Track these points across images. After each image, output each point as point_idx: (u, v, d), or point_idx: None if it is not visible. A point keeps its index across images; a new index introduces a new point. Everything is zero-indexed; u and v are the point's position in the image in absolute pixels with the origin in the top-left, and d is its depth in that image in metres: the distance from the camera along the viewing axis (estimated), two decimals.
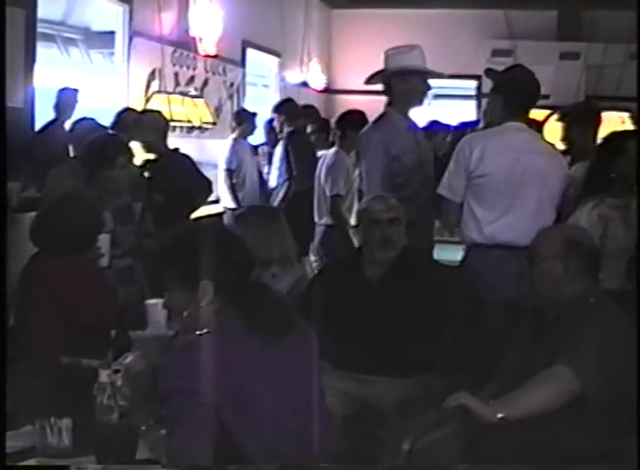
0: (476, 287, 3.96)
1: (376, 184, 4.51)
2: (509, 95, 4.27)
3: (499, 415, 2.57)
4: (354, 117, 6.83)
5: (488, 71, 4.53)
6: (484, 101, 4.94)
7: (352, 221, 5.99)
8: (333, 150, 6.77)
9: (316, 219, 6.48)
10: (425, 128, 6.23)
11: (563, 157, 4.51)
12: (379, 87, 4.83)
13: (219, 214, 7.35)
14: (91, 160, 4.48)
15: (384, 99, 4.80)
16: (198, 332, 2.51)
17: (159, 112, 6.26)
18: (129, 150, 4.76)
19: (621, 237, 4.26)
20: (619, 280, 4.21)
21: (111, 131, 5.67)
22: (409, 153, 4.63)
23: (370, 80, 4.88)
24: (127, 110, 6.40)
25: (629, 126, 7.93)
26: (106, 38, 7.78)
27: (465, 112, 11.81)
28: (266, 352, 2.49)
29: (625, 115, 9.56)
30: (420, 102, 4.79)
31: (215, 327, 2.50)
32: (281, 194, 7.76)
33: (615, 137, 4.78)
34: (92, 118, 5.74)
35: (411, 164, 4.61)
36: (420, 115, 4.92)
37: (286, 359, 2.54)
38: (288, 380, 2.53)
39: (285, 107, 8.17)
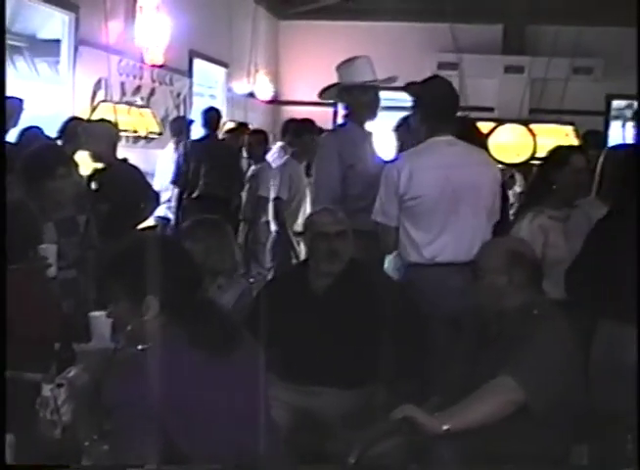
0: (418, 302, 3.95)
1: (326, 192, 4.52)
2: (429, 108, 4.18)
3: (445, 427, 2.59)
4: (300, 126, 6.95)
5: (408, 86, 4.49)
6: None
7: (298, 228, 6.14)
8: (284, 157, 7.10)
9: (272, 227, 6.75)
10: None
11: (496, 166, 4.44)
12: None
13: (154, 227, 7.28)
14: (31, 170, 4.41)
15: (330, 110, 4.86)
16: (139, 346, 2.49)
17: (109, 121, 6.24)
18: (70, 160, 4.71)
19: (562, 246, 4.33)
20: (562, 289, 4.27)
21: (57, 141, 5.61)
22: (365, 163, 4.64)
23: (322, 94, 4.92)
24: (74, 119, 6.35)
25: (573, 140, 8.05)
26: (51, 46, 7.70)
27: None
28: (210, 368, 2.48)
29: (569, 128, 9.69)
30: (373, 114, 4.80)
31: (159, 342, 2.48)
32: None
33: (559, 151, 4.87)
34: (38, 127, 5.68)
35: (367, 174, 4.57)
36: (374, 126, 4.93)
37: (230, 374, 2.52)
38: (232, 394, 2.52)
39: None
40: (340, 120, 5.33)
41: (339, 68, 4.80)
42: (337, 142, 4.66)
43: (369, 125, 4.87)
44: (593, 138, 8.19)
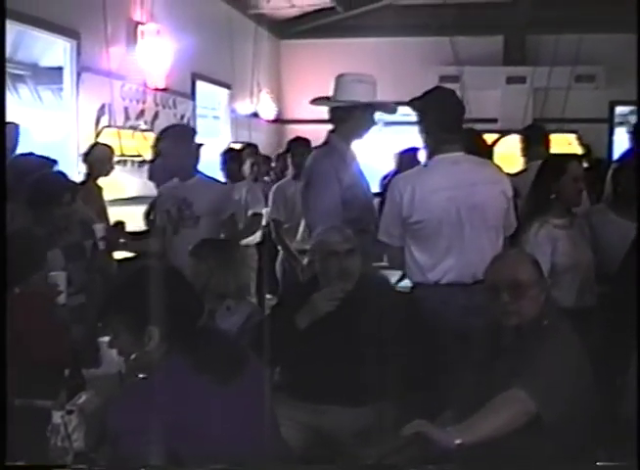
0: (425, 318, 3.92)
1: (327, 216, 4.28)
2: (433, 120, 4.05)
3: (457, 441, 2.57)
4: (299, 145, 6.98)
5: (412, 102, 4.20)
6: None
7: (295, 245, 6.16)
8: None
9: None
10: None
11: (507, 178, 4.26)
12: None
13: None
14: (37, 199, 4.44)
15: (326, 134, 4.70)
16: (141, 375, 2.49)
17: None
18: (75, 186, 4.74)
19: (572, 254, 4.32)
20: (574, 298, 4.27)
21: (56, 166, 5.64)
22: (357, 184, 4.53)
23: (316, 101, 4.72)
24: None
25: (576, 147, 8.07)
26: (54, 74, 7.75)
27: (415, 138, 11.85)
28: (214, 394, 2.48)
29: (572, 136, 9.72)
30: (362, 135, 4.60)
31: (161, 370, 2.48)
32: None
33: (554, 159, 4.86)
34: (31, 153, 5.68)
35: (361, 195, 4.50)
36: (369, 142, 4.83)
37: (236, 399, 2.52)
38: (238, 416, 2.51)
39: None
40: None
41: (341, 80, 4.59)
42: (333, 163, 4.45)
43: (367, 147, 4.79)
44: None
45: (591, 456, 3.02)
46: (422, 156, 4.73)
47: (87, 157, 6.43)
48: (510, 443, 2.71)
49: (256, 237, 7.06)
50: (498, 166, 4.39)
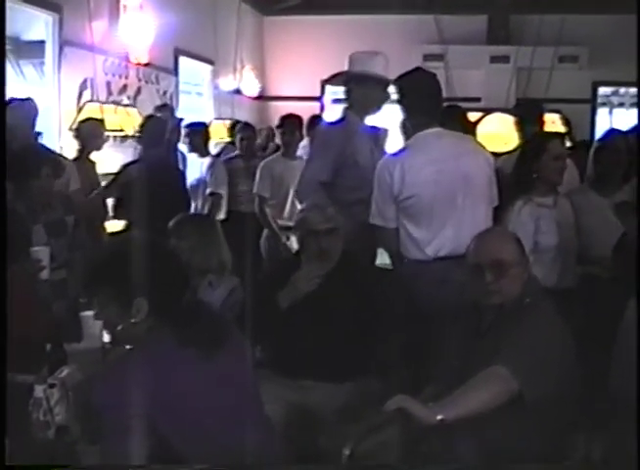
0: (418, 296, 3.93)
1: (310, 186, 4.44)
2: (413, 101, 4.14)
3: (439, 417, 2.57)
4: (291, 122, 6.96)
5: (395, 81, 4.35)
6: None
7: (280, 222, 6.18)
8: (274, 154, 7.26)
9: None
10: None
11: (487, 152, 4.37)
12: (313, 93, 4.81)
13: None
14: (15, 171, 4.40)
15: (317, 105, 4.79)
16: (127, 346, 2.49)
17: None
18: (55, 160, 4.70)
19: (554, 233, 4.34)
20: (556, 277, 4.29)
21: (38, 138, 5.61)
22: (364, 155, 4.55)
23: (330, 81, 4.85)
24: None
25: (560, 127, 8.08)
26: (36, 48, 7.66)
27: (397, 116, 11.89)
28: (200, 366, 2.48)
29: (556, 116, 9.72)
30: (378, 109, 4.70)
31: (148, 342, 2.47)
32: None
33: (535, 139, 4.88)
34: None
35: (366, 165, 4.49)
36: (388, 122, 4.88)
37: (220, 372, 2.52)
38: (223, 392, 2.52)
39: None
40: (326, 115, 5.23)
41: (354, 56, 4.70)
42: (339, 136, 4.54)
43: (383, 122, 4.83)
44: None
45: (573, 435, 3.05)
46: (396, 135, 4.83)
47: (78, 132, 6.40)
48: (492, 420, 2.72)
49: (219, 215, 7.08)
50: (477, 142, 4.45)
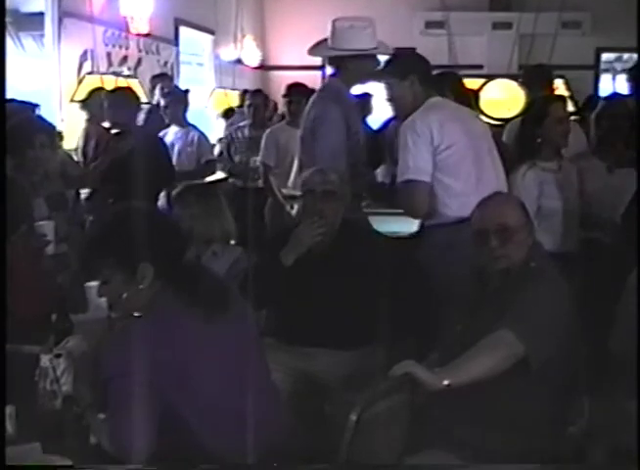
0: (437, 262, 3.90)
1: (338, 164, 4.24)
2: (424, 71, 4.15)
3: (445, 382, 2.58)
4: (298, 91, 6.91)
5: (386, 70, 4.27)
6: None
7: (285, 191, 6.14)
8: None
9: None
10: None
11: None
12: (315, 61, 4.72)
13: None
14: (11, 142, 4.38)
15: (319, 73, 4.72)
16: (136, 314, 2.49)
17: (130, 89, 6.32)
18: (50, 130, 4.69)
19: (559, 197, 4.34)
20: (559, 241, 4.29)
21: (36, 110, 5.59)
22: (359, 128, 4.54)
23: (312, 51, 4.64)
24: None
25: (563, 92, 8.04)
26: (35, 20, 7.63)
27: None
28: (206, 331, 2.49)
29: (559, 81, 9.67)
30: (364, 81, 4.68)
31: (155, 308, 2.48)
32: None
33: (537, 103, 4.86)
34: (12, 99, 5.61)
35: (361, 139, 4.51)
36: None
37: (226, 337, 2.53)
38: (229, 358, 2.53)
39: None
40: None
41: (338, 27, 4.48)
42: (342, 110, 4.43)
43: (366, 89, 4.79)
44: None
45: (577, 400, 3.05)
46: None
47: (86, 103, 6.38)
48: (497, 386, 2.73)
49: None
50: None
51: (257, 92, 8.26)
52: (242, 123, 7.92)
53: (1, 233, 3.20)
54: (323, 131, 4.39)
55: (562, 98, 5.01)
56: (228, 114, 9.60)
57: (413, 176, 3.92)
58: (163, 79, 7.97)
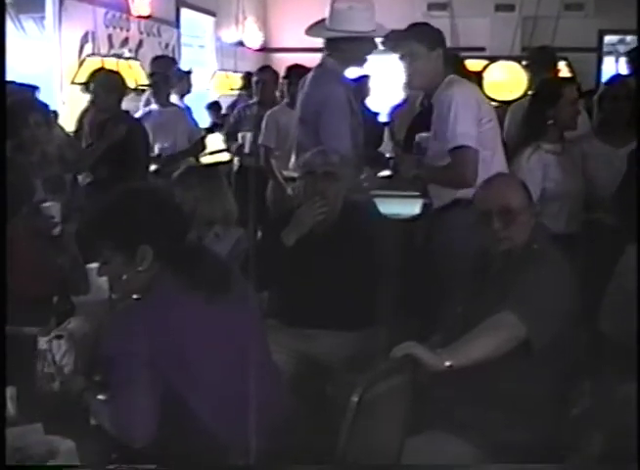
0: (441, 244, 3.89)
1: (344, 145, 4.23)
2: (446, 48, 4.10)
3: (447, 363, 2.57)
4: (298, 73, 6.85)
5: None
6: None
7: (286, 173, 6.12)
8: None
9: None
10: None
11: None
12: (317, 43, 4.65)
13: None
14: (7, 122, 4.37)
15: (320, 56, 4.63)
16: (135, 296, 2.48)
17: (117, 72, 6.26)
18: (44, 109, 4.67)
19: (562, 180, 4.32)
20: (563, 223, 4.29)
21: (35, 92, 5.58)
22: (357, 109, 4.52)
23: (310, 31, 4.59)
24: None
25: (566, 74, 8.01)
26: (36, 2, 7.59)
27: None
28: (207, 313, 2.48)
29: (562, 63, 9.62)
30: (361, 63, 4.64)
31: (154, 289, 2.47)
32: None
33: (549, 84, 4.84)
34: (12, 82, 5.59)
35: (360, 120, 4.49)
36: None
37: (227, 319, 2.53)
38: (230, 339, 2.52)
39: None
40: None
41: (334, 4, 4.45)
42: (346, 90, 4.42)
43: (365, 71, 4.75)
44: None
45: (578, 383, 3.05)
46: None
47: (88, 85, 6.35)
48: (499, 367, 2.72)
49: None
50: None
51: (266, 68, 8.05)
52: (250, 101, 7.84)
53: (1, 215, 3.19)
54: (328, 112, 4.32)
55: (574, 81, 5.02)
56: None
57: (465, 142, 3.84)
58: (165, 61, 7.92)
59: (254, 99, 7.70)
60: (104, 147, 5.52)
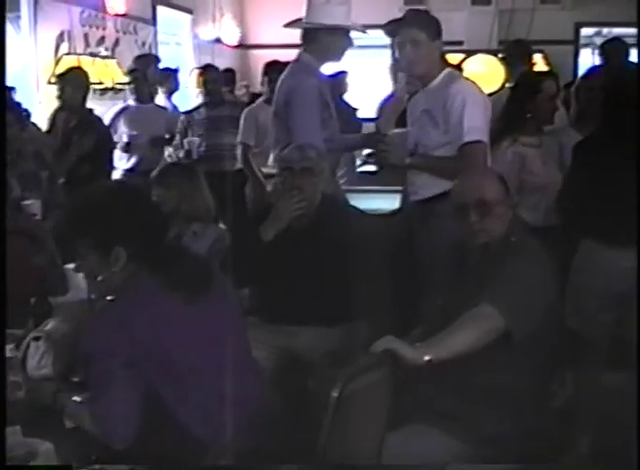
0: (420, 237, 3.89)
1: (315, 134, 4.23)
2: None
3: (426, 357, 2.57)
4: (277, 69, 6.83)
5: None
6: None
7: (265, 170, 6.11)
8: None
9: None
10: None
11: None
12: (295, 39, 4.65)
13: None
14: None
15: (295, 52, 4.64)
16: (109, 297, 2.47)
17: (81, 69, 6.23)
18: (16, 109, 4.65)
19: (540, 172, 4.33)
20: (542, 216, 4.30)
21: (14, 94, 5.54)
22: (331, 103, 4.52)
23: (289, 25, 4.61)
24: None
25: (543, 66, 8.04)
26: (11, 1, 7.53)
27: (381, 61, 11.86)
28: (186, 312, 2.47)
29: (538, 55, 9.65)
30: (338, 58, 4.59)
31: (130, 290, 2.46)
32: None
33: (529, 78, 4.84)
34: None
35: (333, 114, 4.49)
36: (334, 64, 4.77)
37: (206, 317, 2.52)
38: (209, 337, 2.51)
39: None
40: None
41: (313, 3, 4.46)
42: (315, 82, 4.41)
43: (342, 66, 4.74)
44: None
45: (558, 375, 3.07)
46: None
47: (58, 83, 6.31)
48: (480, 359, 2.73)
49: None
50: None
51: (209, 67, 7.67)
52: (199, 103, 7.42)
53: (1, 216, 3.15)
54: (296, 102, 4.33)
55: (554, 75, 5.02)
56: None
57: (478, 137, 3.85)
58: (147, 59, 7.86)
59: (201, 100, 7.31)
60: (73, 159, 5.48)
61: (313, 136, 4.19)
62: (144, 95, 7.15)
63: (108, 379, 2.36)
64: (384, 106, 7.57)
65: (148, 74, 7.37)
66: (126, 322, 2.37)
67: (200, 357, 2.48)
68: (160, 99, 7.84)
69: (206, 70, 7.41)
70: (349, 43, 4.52)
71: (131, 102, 7.12)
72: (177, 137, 7.06)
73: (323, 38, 4.43)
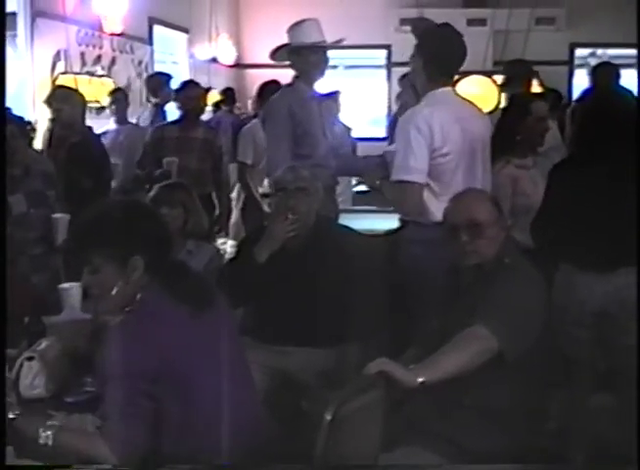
0: (413, 259, 3.85)
1: (279, 154, 4.52)
2: (428, 56, 3.92)
3: (420, 379, 2.57)
4: (270, 88, 6.87)
5: (415, 26, 4.35)
6: (394, 70, 4.67)
7: (261, 190, 6.17)
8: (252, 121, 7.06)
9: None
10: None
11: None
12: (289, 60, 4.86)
13: None
14: None
15: (292, 72, 4.84)
16: (127, 308, 2.47)
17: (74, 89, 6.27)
18: (20, 122, 4.66)
19: (532, 194, 4.34)
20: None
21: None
22: (313, 121, 4.68)
23: (274, 55, 4.94)
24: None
25: (536, 88, 8.05)
26: (8, 20, 7.53)
27: (376, 81, 11.92)
28: (193, 326, 2.49)
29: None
30: (321, 73, 4.84)
31: (142, 303, 2.46)
32: None
33: (518, 100, 4.86)
34: None
35: (315, 132, 4.63)
36: (328, 84, 4.96)
37: (211, 331, 2.54)
38: (214, 353, 2.52)
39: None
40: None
41: (288, 30, 4.84)
42: (285, 102, 4.70)
43: (334, 86, 4.91)
44: None
45: (553, 393, 3.08)
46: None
47: (51, 102, 6.31)
48: (474, 380, 2.73)
49: None
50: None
51: (189, 83, 7.03)
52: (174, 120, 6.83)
53: (1, 218, 3.15)
54: (267, 119, 4.81)
55: (542, 96, 5.04)
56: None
57: (411, 178, 3.76)
58: (161, 78, 7.91)
59: (178, 115, 6.64)
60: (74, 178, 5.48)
61: (281, 151, 4.54)
62: (124, 116, 7.30)
63: (133, 394, 2.35)
64: (391, 123, 7.70)
65: (160, 95, 7.59)
66: (141, 336, 2.39)
67: (203, 372, 2.49)
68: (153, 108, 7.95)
69: (187, 89, 6.69)
70: (326, 60, 4.83)
71: (112, 123, 7.17)
72: (144, 153, 6.58)
73: (303, 58, 4.76)
